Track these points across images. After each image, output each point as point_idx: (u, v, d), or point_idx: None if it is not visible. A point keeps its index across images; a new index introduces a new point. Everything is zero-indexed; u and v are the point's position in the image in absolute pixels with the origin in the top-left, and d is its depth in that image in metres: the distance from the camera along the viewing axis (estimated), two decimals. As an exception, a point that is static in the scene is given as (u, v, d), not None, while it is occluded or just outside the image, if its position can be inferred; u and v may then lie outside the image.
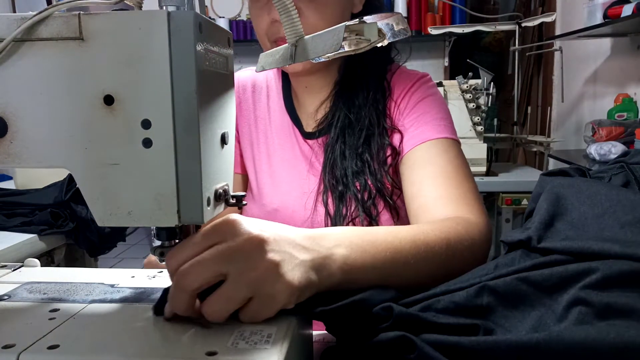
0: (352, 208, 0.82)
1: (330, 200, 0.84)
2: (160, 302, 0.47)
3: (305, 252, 0.46)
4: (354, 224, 0.82)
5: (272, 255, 0.43)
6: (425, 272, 0.54)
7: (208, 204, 0.45)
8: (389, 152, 0.84)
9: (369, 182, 0.82)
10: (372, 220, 0.81)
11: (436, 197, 0.72)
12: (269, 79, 0.97)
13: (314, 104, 0.91)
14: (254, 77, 0.98)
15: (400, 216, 0.84)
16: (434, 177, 0.74)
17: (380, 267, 0.51)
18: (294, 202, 0.89)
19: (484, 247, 0.63)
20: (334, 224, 0.83)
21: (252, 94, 0.96)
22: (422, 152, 0.78)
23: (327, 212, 0.84)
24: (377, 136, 0.84)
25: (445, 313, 0.46)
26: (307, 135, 0.91)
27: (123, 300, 0.51)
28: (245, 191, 0.97)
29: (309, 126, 0.92)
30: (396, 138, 0.84)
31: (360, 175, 0.82)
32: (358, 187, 0.82)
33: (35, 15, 0.42)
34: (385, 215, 0.83)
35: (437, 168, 0.75)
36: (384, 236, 0.53)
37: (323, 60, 0.54)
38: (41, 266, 0.64)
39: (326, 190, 0.84)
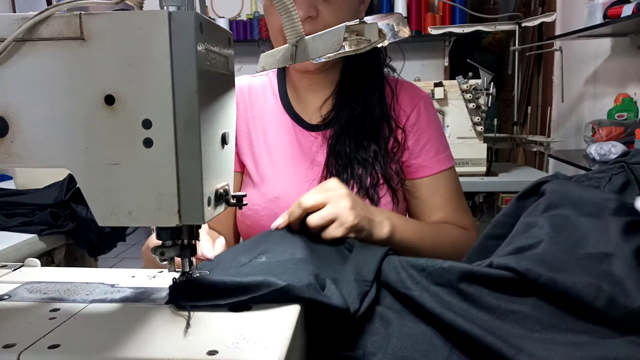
0: (354, 192, 0.86)
1: None
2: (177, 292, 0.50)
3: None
4: None
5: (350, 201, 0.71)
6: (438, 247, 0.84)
7: (209, 204, 0.45)
8: (391, 143, 0.93)
9: (374, 170, 0.90)
10: (373, 204, 0.89)
11: (444, 219, 0.94)
12: (265, 83, 1.02)
13: (318, 101, 0.97)
14: (251, 81, 1.03)
15: (399, 201, 0.94)
16: (443, 204, 0.96)
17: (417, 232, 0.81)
18: (296, 190, 0.91)
19: (468, 244, 0.87)
20: None
21: (249, 96, 1.00)
22: (431, 181, 0.96)
23: None
24: (382, 129, 0.93)
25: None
26: (311, 128, 0.96)
27: (123, 300, 0.51)
28: (241, 189, 0.99)
29: (313, 120, 0.96)
30: (399, 133, 0.95)
31: (367, 163, 0.90)
32: (360, 172, 0.90)
33: (36, 15, 0.42)
34: (386, 199, 0.91)
35: (444, 198, 0.96)
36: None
37: (324, 60, 0.54)
38: (41, 266, 0.64)
39: (330, 176, 0.90)
